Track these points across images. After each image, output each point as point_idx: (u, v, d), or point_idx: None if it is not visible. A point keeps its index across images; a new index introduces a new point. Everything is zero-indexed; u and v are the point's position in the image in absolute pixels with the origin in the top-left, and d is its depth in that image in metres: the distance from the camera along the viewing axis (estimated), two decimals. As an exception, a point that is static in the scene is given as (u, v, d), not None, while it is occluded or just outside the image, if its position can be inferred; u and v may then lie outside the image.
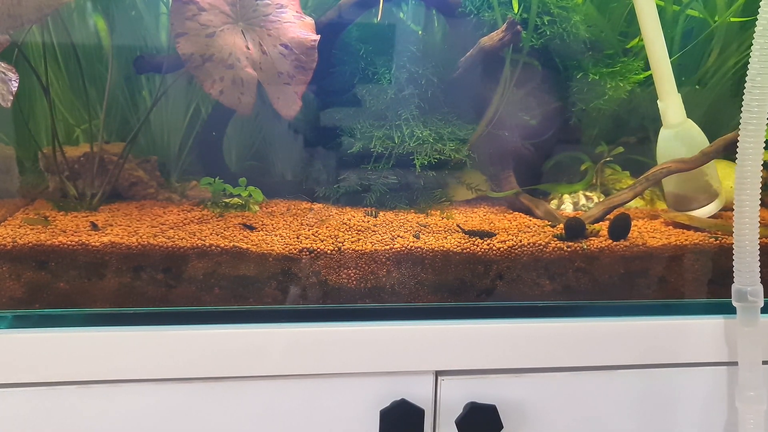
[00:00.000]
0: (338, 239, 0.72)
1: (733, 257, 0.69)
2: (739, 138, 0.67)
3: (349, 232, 0.75)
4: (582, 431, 0.73)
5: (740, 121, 0.66)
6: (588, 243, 0.75)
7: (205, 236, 0.71)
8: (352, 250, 0.71)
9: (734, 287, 0.69)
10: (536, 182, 0.92)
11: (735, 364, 0.73)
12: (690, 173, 0.82)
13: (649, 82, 0.89)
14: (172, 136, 0.91)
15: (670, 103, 0.83)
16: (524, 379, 0.71)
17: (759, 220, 0.67)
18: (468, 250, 0.72)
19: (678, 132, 0.83)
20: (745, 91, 0.66)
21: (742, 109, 0.66)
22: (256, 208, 0.82)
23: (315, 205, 0.85)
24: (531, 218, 0.83)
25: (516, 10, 0.82)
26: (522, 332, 0.70)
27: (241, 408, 0.68)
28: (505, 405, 0.70)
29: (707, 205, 0.85)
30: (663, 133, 0.84)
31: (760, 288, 0.68)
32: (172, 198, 0.86)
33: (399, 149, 0.82)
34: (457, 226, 0.78)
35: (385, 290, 0.72)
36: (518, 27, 0.79)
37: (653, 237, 0.77)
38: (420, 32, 0.93)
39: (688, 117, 0.83)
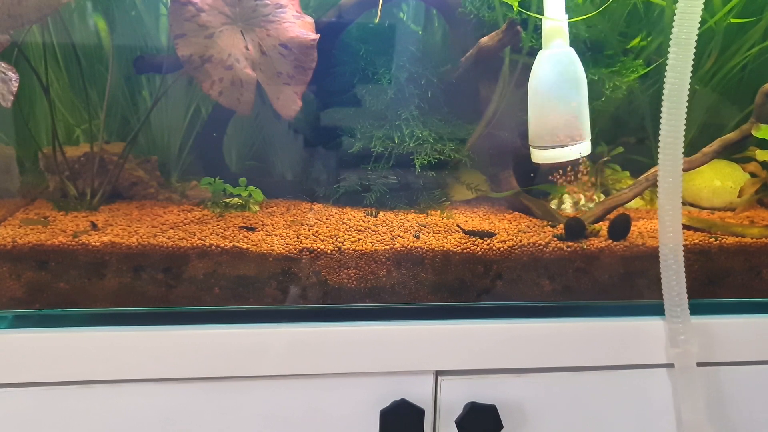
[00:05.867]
0: (338, 239, 0.73)
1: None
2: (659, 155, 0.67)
3: (349, 232, 0.75)
4: (582, 431, 0.73)
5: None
6: (588, 243, 0.75)
7: (205, 236, 0.71)
8: (352, 250, 0.71)
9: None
10: (536, 182, 0.92)
11: (734, 364, 0.74)
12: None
13: (649, 83, 0.90)
14: (172, 136, 0.91)
15: (552, 23, 0.73)
16: (524, 379, 0.71)
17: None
18: (468, 250, 0.72)
19: (553, 54, 0.73)
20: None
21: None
22: (256, 208, 0.83)
23: (315, 205, 0.85)
24: (531, 218, 0.83)
25: (516, 10, 0.82)
26: (522, 332, 0.70)
27: (241, 408, 0.68)
28: (505, 405, 0.70)
29: (570, 146, 0.74)
30: (541, 54, 0.74)
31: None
32: (172, 198, 0.86)
33: (399, 149, 0.82)
34: (457, 226, 0.78)
35: (385, 290, 0.72)
36: (518, 27, 0.79)
37: (653, 237, 0.77)
38: (420, 32, 0.93)
39: (689, 116, 0.83)
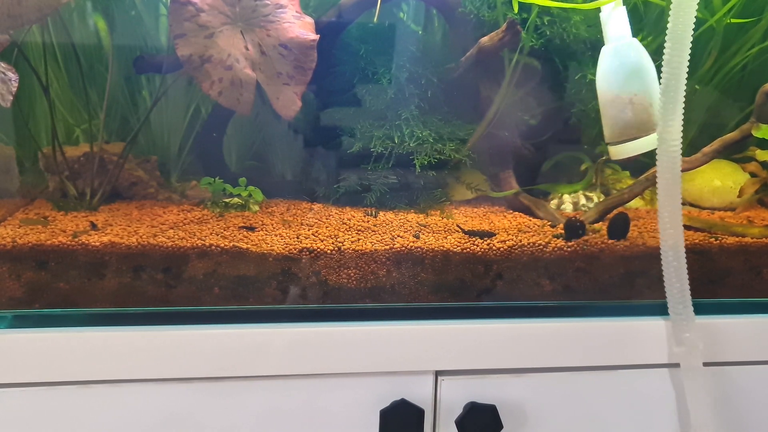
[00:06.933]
0: (338, 239, 0.72)
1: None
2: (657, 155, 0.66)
3: (349, 232, 0.75)
4: (582, 431, 0.73)
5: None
6: (587, 243, 0.75)
7: (205, 236, 0.71)
8: (352, 250, 0.71)
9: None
10: (536, 182, 0.92)
11: (734, 363, 0.74)
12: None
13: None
14: (172, 136, 0.91)
15: (612, 12, 0.73)
16: (524, 379, 0.71)
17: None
18: (468, 250, 0.72)
19: (617, 48, 0.73)
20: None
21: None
22: (256, 207, 0.83)
23: (315, 205, 0.85)
24: (531, 218, 0.83)
25: (516, 10, 0.82)
26: (522, 332, 0.70)
27: (241, 408, 0.68)
28: (505, 405, 0.70)
29: (641, 138, 0.74)
30: (603, 50, 0.75)
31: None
32: (172, 198, 0.86)
33: (399, 149, 0.82)
34: (457, 226, 0.78)
35: (385, 290, 0.72)
36: (518, 27, 0.79)
37: (653, 237, 0.77)
38: (420, 32, 0.93)
39: (688, 117, 0.83)
